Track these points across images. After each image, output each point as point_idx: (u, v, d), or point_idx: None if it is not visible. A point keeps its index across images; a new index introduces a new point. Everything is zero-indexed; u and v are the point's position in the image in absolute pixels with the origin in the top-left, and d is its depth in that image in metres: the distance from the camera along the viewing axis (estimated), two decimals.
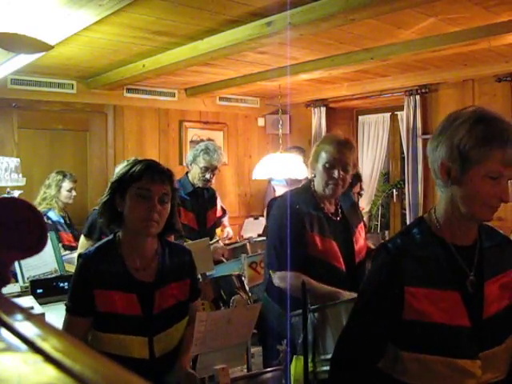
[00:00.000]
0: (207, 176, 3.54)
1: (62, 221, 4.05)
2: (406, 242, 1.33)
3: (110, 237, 1.77)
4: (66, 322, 1.70)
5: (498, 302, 1.31)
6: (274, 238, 2.31)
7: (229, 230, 4.12)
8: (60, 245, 3.85)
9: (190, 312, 1.81)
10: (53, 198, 4.01)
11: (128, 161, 3.08)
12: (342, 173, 2.25)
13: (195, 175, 3.58)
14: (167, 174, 1.72)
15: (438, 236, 1.32)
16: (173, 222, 1.77)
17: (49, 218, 3.93)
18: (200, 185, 3.58)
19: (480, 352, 1.26)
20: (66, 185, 4.02)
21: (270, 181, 5.29)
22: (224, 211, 4.04)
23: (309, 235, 2.22)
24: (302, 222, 2.22)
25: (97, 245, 1.78)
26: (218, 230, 4.03)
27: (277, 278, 2.27)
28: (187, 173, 3.66)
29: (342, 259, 2.24)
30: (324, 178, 2.27)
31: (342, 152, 2.25)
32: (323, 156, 2.27)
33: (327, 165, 2.25)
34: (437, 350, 1.25)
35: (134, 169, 1.68)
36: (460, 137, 1.23)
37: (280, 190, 4.78)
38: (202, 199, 3.66)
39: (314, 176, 2.34)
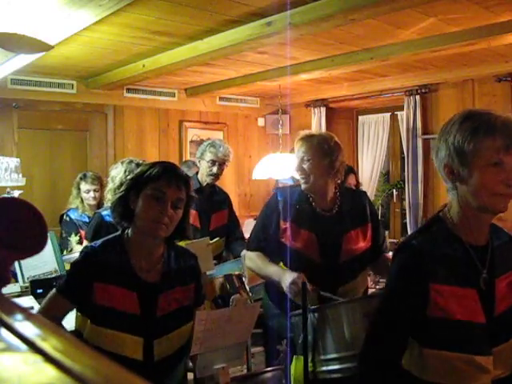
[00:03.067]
0: (214, 170, 3.48)
1: (86, 220, 4.05)
2: (427, 240, 1.36)
3: (119, 232, 1.77)
4: (50, 298, 1.70)
5: (507, 299, 1.34)
6: (256, 222, 2.50)
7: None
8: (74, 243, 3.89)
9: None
10: (77, 198, 4.05)
11: (122, 163, 3.08)
12: (302, 164, 2.31)
13: (204, 171, 3.53)
14: (184, 180, 1.72)
15: (455, 234, 1.35)
16: (184, 228, 1.77)
17: (67, 216, 3.97)
18: (208, 181, 3.53)
19: (492, 348, 1.29)
20: (83, 187, 4.04)
21: (277, 180, 5.28)
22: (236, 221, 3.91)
23: (282, 223, 2.30)
24: (277, 210, 2.33)
25: (104, 239, 1.78)
26: None
27: (246, 257, 2.45)
28: (197, 172, 3.65)
29: (318, 252, 2.27)
30: (295, 170, 2.38)
31: (300, 146, 2.33)
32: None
33: (296, 158, 2.36)
34: (457, 347, 1.28)
35: (152, 169, 1.69)
36: (453, 136, 1.29)
37: None
38: (210, 200, 3.61)
39: None
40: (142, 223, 1.68)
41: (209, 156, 3.49)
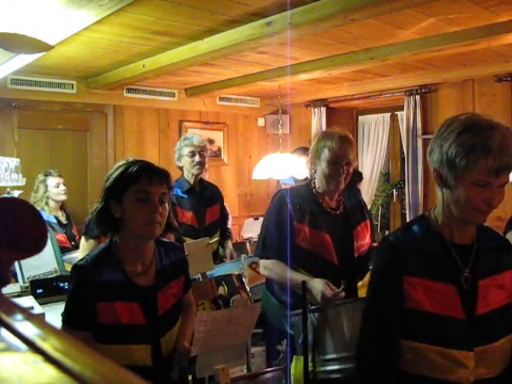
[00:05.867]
0: (197, 158, 3.48)
1: (54, 221, 4.03)
2: (405, 235, 1.41)
3: (106, 243, 1.71)
4: None
5: (493, 301, 1.35)
6: (262, 227, 2.40)
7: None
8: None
9: (183, 303, 1.83)
10: (42, 199, 4.00)
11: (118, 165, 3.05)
12: (345, 167, 2.27)
13: (189, 168, 3.52)
14: (164, 174, 1.69)
15: (437, 232, 1.38)
16: (170, 222, 1.75)
17: None
18: (195, 172, 3.52)
19: (474, 346, 1.30)
20: (51, 181, 4.01)
21: (278, 180, 5.30)
22: (227, 215, 4.00)
23: (298, 226, 2.25)
24: (290, 212, 2.26)
25: (93, 253, 1.71)
26: None
27: (261, 266, 2.36)
28: (183, 173, 3.64)
29: (334, 252, 2.26)
30: (328, 174, 2.28)
31: (344, 147, 2.27)
32: (326, 152, 2.27)
33: (331, 161, 2.26)
34: (431, 339, 1.30)
35: (129, 171, 1.63)
36: (448, 145, 1.29)
37: None
38: (202, 196, 3.62)
39: (315, 172, 2.35)
40: (135, 228, 1.63)
41: (186, 149, 3.49)
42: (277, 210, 2.33)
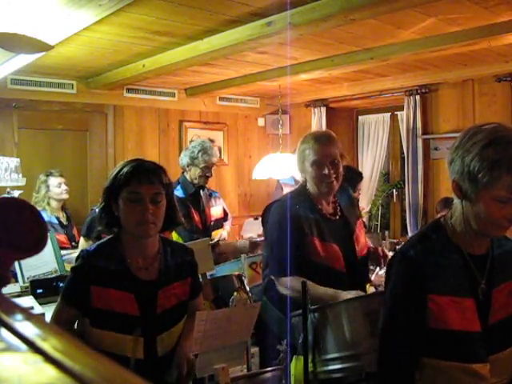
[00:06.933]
0: (208, 174, 3.56)
1: (56, 221, 4.03)
2: (426, 249, 1.35)
3: (113, 235, 1.77)
4: (58, 308, 1.72)
5: (505, 309, 1.33)
6: (274, 243, 2.23)
7: (223, 233, 4.08)
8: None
9: (189, 308, 1.81)
10: (43, 199, 4.00)
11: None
12: (331, 167, 2.19)
13: (195, 176, 3.57)
14: (155, 173, 1.69)
15: (455, 243, 1.35)
16: (173, 217, 1.77)
17: None
18: (202, 183, 3.58)
19: (488, 355, 1.28)
20: (53, 181, 4.02)
21: (278, 180, 5.29)
22: (226, 214, 4.02)
23: (309, 240, 2.16)
24: (301, 226, 2.16)
25: (99, 242, 1.78)
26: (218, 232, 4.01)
27: (280, 285, 2.20)
28: (183, 173, 3.64)
29: (343, 261, 2.19)
30: (316, 178, 2.21)
31: (325, 147, 2.19)
32: (308, 156, 2.20)
33: (315, 163, 2.19)
34: (454, 356, 1.28)
35: (121, 173, 1.67)
36: (471, 158, 1.24)
37: (287, 190, 4.76)
38: (201, 198, 3.67)
39: (305, 179, 2.28)
40: (129, 228, 1.69)
41: (202, 163, 3.52)
42: (284, 223, 2.17)
